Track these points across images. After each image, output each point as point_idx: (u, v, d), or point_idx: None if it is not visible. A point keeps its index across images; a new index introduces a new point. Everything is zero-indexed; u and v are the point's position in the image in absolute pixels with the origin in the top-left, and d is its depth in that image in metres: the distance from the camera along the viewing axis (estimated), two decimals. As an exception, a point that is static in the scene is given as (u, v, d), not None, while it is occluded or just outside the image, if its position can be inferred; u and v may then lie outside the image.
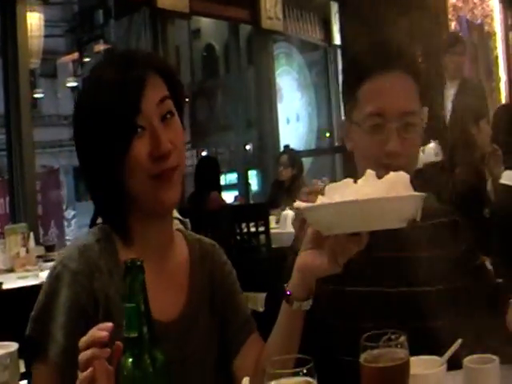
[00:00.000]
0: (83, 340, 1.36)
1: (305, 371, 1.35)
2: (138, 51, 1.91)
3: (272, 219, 6.55)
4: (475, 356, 1.67)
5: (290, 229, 5.87)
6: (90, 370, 1.32)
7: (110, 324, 1.36)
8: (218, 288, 1.96)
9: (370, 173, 1.60)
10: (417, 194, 1.58)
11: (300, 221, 1.73)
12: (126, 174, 1.74)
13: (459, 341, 1.78)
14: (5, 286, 4.46)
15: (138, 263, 1.26)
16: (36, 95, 15.46)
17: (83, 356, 1.33)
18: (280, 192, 8.06)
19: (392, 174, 1.59)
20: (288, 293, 1.76)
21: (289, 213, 6.21)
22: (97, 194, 1.85)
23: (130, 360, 1.23)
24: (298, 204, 1.62)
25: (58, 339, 1.72)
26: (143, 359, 1.23)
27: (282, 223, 6.56)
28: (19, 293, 4.18)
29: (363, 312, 2.01)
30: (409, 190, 1.58)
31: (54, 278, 1.77)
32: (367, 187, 1.56)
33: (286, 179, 8.27)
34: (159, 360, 1.25)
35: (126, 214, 1.83)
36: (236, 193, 9.99)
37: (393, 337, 1.57)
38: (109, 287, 1.77)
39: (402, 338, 1.57)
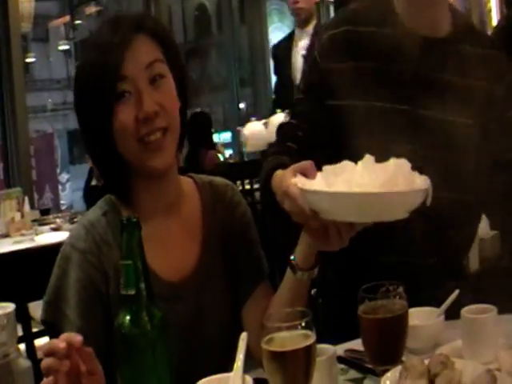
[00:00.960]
0: (44, 345, 1.32)
1: (303, 324, 1.35)
2: (129, 13, 1.86)
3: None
4: (473, 306, 1.67)
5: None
6: (50, 378, 1.28)
7: (78, 338, 1.31)
8: (231, 231, 1.93)
9: (368, 157, 1.58)
10: (419, 188, 1.54)
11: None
12: (116, 138, 1.73)
13: (456, 291, 1.79)
14: (0, 251, 4.46)
15: (134, 220, 1.26)
16: (28, 60, 15.34)
17: (43, 363, 1.28)
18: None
19: (392, 161, 1.55)
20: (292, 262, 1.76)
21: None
22: (96, 159, 1.84)
23: (128, 317, 1.23)
24: (296, 180, 1.59)
25: (73, 320, 1.72)
26: (141, 317, 1.23)
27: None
28: (14, 256, 4.17)
29: None
30: (410, 180, 1.54)
31: (64, 259, 1.78)
32: (366, 177, 1.52)
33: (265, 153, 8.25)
34: (157, 317, 1.25)
35: (127, 178, 1.82)
36: (230, 151, 9.94)
37: (391, 288, 1.57)
38: (118, 259, 1.76)
39: (400, 289, 1.57)
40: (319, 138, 2.02)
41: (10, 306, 1.02)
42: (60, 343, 1.28)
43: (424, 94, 2.00)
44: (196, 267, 1.85)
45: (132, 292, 1.23)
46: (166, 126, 1.74)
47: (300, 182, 1.58)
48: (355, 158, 1.59)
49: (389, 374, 1.46)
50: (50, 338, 1.74)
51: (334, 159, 1.62)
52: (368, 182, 1.50)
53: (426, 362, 1.44)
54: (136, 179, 1.81)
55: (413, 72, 2.01)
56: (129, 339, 1.23)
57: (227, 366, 1.79)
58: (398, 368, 1.45)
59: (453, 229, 2.01)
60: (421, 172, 1.57)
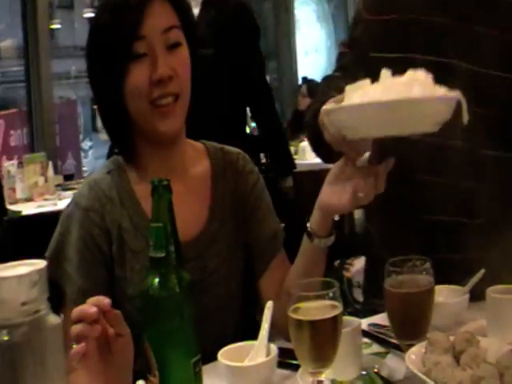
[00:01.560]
0: (74, 312, 1.32)
1: (331, 294, 1.34)
2: None
3: (291, 150, 6.55)
4: (499, 286, 1.66)
5: (309, 159, 5.86)
6: (82, 345, 1.29)
7: (106, 301, 1.32)
8: (243, 200, 1.93)
9: (385, 72, 1.55)
10: (452, 95, 1.50)
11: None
12: (127, 99, 1.73)
13: (482, 271, 1.78)
14: (25, 212, 4.49)
15: (165, 182, 1.25)
16: (53, 26, 15.37)
17: (73, 329, 1.30)
18: (299, 122, 8.03)
19: (408, 72, 1.51)
20: (308, 228, 1.74)
21: (307, 144, 6.20)
22: (106, 120, 1.84)
23: (157, 280, 1.23)
24: (326, 106, 1.57)
25: (75, 278, 1.74)
26: (170, 279, 1.23)
27: (301, 154, 6.57)
28: (38, 218, 4.21)
29: None
30: (430, 89, 1.49)
31: (66, 216, 1.80)
32: (379, 89, 1.49)
33: (306, 108, 8.24)
34: (185, 280, 1.25)
35: (136, 141, 1.82)
36: (253, 124, 9.94)
37: (418, 263, 1.56)
38: (121, 217, 1.78)
39: (427, 265, 1.56)
40: None
41: (41, 263, 1.02)
42: (90, 308, 1.29)
43: (468, 48, 1.97)
44: (203, 230, 1.85)
45: (162, 255, 1.23)
46: (178, 92, 1.74)
47: (328, 106, 1.57)
48: None
49: (414, 349, 1.45)
50: (51, 295, 1.76)
51: None
52: (381, 94, 1.47)
53: (451, 338, 1.43)
54: (143, 142, 1.82)
55: (456, 25, 1.98)
56: (158, 301, 1.23)
57: (236, 333, 1.79)
58: (423, 343, 1.45)
59: (499, 189, 1.98)
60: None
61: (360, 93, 1.50)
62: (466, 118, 1.52)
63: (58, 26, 17.11)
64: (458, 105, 1.49)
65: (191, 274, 1.30)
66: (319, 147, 1.95)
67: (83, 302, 1.63)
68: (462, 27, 1.98)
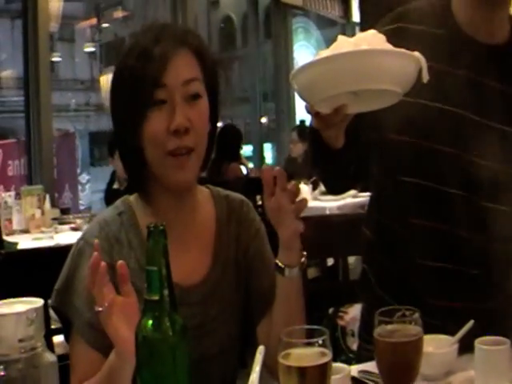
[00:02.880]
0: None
1: (320, 342, 1.36)
2: (176, 26, 1.90)
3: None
4: (487, 338, 1.68)
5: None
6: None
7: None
8: (245, 248, 1.95)
9: (341, 36, 1.65)
10: (413, 53, 1.61)
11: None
12: (145, 144, 1.76)
13: (471, 322, 1.79)
14: (20, 247, 4.49)
15: (161, 227, 1.27)
16: (53, 59, 15.46)
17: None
18: (293, 168, 8.03)
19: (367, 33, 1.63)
20: (279, 265, 1.80)
21: (303, 187, 6.21)
22: (124, 158, 1.87)
23: (150, 322, 1.24)
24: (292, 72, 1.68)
25: (82, 312, 1.76)
26: (163, 322, 1.25)
27: (296, 197, 6.55)
28: (34, 253, 4.19)
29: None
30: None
31: (77, 252, 1.82)
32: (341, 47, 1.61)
33: (298, 155, 8.26)
34: (179, 323, 1.26)
35: (150, 183, 1.85)
36: (251, 165, 9.98)
37: (407, 313, 1.58)
38: (128, 259, 1.80)
39: (416, 315, 1.58)
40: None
41: (39, 301, 1.04)
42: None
43: (476, 100, 1.99)
44: (205, 276, 1.87)
45: (155, 297, 1.24)
46: (193, 147, 1.77)
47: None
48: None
49: None
50: (61, 322, 1.84)
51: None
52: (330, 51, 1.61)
53: None
54: (157, 186, 1.84)
55: (464, 76, 2.00)
56: (150, 343, 1.24)
57: (233, 378, 1.81)
58: None
59: (500, 241, 1.97)
60: None
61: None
62: (425, 77, 1.62)
63: (59, 59, 17.21)
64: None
65: (194, 318, 1.32)
66: (318, 157, 2.00)
67: (91, 333, 1.72)
68: (472, 80, 2.01)
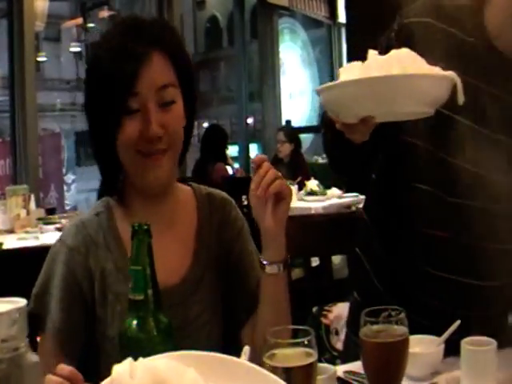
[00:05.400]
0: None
1: (306, 342, 1.36)
2: (148, 21, 1.80)
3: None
4: (473, 338, 1.68)
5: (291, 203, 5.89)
6: None
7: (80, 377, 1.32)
8: (228, 248, 1.93)
9: (372, 52, 1.62)
10: (446, 73, 1.58)
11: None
12: (118, 148, 1.74)
13: (457, 322, 1.79)
14: (5, 247, 4.48)
15: (145, 227, 1.27)
16: (39, 58, 15.40)
17: None
18: (279, 168, 8.00)
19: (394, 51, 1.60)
20: (263, 262, 1.78)
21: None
22: (99, 160, 1.85)
23: (135, 322, 1.24)
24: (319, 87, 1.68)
25: (54, 314, 1.76)
26: (148, 322, 1.24)
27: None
28: (19, 253, 4.17)
29: None
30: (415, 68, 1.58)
31: (53, 254, 1.82)
32: (363, 68, 1.59)
33: (284, 156, 8.26)
34: (163, 323, 1.26)
35: (126, 188, 1.85)
36: (237, 165, 9.97)
37: (393, 313, 1.58)
38: (105, 261, 1.79)
39: (402, 315, 1.58)
40: None
41: (21, 302, 1.03)
42: None
43: (499, 117, 1.93)
44: (186, 276, 1.85)
45: (140, 297, 1.24)
46: (166, 148, 1.75)
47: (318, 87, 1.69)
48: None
49: None
50: (33, 329, 1.78)
51: None
52: (361, 72, 1.58)
53: None
54: (133, 190, 1.84)
55: (496, 95, 1.93)
56: (135, 343, 1.24)
57: None
58: None
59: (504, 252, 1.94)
60: None
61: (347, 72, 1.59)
62: (460, 99, 1.60)
63: (44, 59, 17.16)
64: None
65: (174, 319, 1.31)
66: (333, 145, 2.02)
67: (64, 335, 1.72)
68: (497, 96, 1.95)
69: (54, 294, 1.77)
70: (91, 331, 1.77)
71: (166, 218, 1.86)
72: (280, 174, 1.75)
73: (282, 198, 1.73)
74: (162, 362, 0.78)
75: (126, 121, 1.70)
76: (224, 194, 2.01)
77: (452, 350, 1.75)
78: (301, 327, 1.42)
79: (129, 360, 0.75)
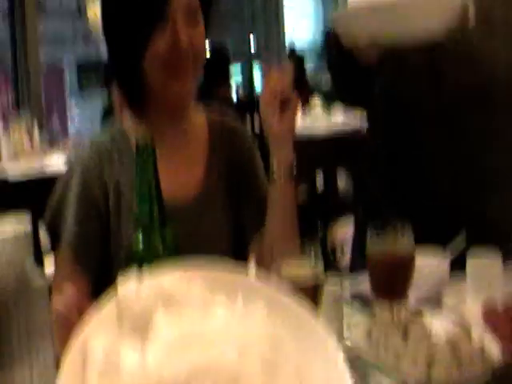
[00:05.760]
0: None
1: (312, 261, 1.37)
2: None
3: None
4: (479, 251, 1.69)
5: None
6: None
7: None
8: (237, 170, 1.96)
9: None
10: None
11: None
12: (145, 61, 1.77)
13: (464, 234, 1.80)
14: (10, 176, 4.49)
15: (149, 141, 1.26)
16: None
17: None
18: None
19: None
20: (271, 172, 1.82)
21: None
22: (122, 81, 1.89)
23: (141, 239, 1.24)
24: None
25: (70, 226, 1.80)
26: (153, 239, 1.24)
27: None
28: (24, 180, 4.20)
29: None
30: None
31: (68, 169, 1.87)
32: None
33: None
34: (169, 240, 1.26)
35: (146, 106, 1.86)
36: (239, 86, 9.89)
37: (399, 227, 1.58)
38: (119, 174, 1.83)
39: (408, 229, 1.58)
40: None
41: (25, 219, 1.02)
42: (72, 313, 1.30)
43: None
44: (197, 194, 1.89)
45: (145, 215, 1.24)
46: (192, 63, 1.79)
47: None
48: None
49: (359, 324, 1.49)
50: (51, 242, 1.84)
51: None
52: None
53: (396, 313, 1.46)
54: (153, 104, 1.85)
55: None
56: (141, 260, 1.24)
57: None
58: (368, 319, 1.49)
59: None
60: None
61: None
62: (471, 21, 1.61)
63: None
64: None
65: (182, 238, 1.31)
66: (342, 71, 2.04)
67: (77, 246, 1.76)
68: None
69: (70, 208, 1.80)
70: (106, 243, 1.81)
71: (180, 137, 1.90)
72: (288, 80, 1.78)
73: (290, 105, 1.77)
74: (167, 277, 0.77)
75: (155, 35, 1.74)
76: (236, 123, 2.05)
77: (458, 264, 1.76)
78: (308, 242, 1.42)
79: (134, 275, 0.74)
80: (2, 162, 5.37)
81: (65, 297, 1.35)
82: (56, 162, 4.81)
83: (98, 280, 1.76)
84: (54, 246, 1.84)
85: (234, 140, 1.99)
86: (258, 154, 2.02)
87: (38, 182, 2.31)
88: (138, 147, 1.26)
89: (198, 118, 1.97)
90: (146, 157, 1.25)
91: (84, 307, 1.33)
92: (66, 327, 1.24)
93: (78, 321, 1.29)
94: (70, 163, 1.88)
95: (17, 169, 4.98)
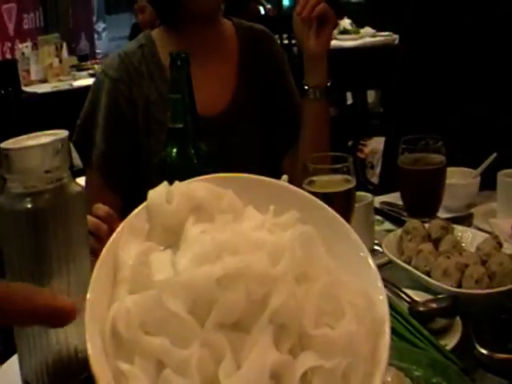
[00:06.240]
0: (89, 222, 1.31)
1: (345, 169, 1.37)
2: None
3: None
4: (510, 170, 1.69)
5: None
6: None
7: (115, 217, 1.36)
8: (268, 76, 1.95)
9: None
10: None
11: None
12: None
13: (494, 155, 1.79)
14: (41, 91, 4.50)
15: (183, 55, 1.25)
16: None
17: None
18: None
19: None
20: (305, 87, 1.81)
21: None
22: None
23: (175, 150, 1.25)
24: None
25: (98, 143, 1.81)
26: (187, 149, 1.25)
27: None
28: (55, 96, 4.19)
29: None
30: None
31: (96, 86, 1.85)
32: None
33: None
34: (203, 150, 1.26)
35: (176, 15, 1.85)
36: (268, 5, 9.72)
37: (431, 142, 1.58)
38: (149, 90, 1.82)
39: (440, 144, 1.58)
40: None
41: (63, 132, 1.03)
42: (103, 225, 1.34)
43: None
44: (227, 107, 1.88)
45: (179, 125, 1.24)
46: None
47: None
48: None
49: (391, 235, 1.49)
50: (80, 156, 1.87)
51: None
52: None
53: (427, 226, 1.46)
54: (183, 16, 1.84)
55: None
56: (174, 171, 1.25)
57: None
58: (398, 232, 1.48)
59: None
60: None
61: None
62: None
63: None
64: None
65: (214, 150, 1.32)
66: None
67: (105, 166, 1.77)
68: None
69: (98, 125, 1.81)
70: (136, 162, 1.81)
71: (212, 46, 1.89)
72: None
73: (325, 21, 1.76)
74: (198, 185, 0.78)
75: None
76: (264, 28, 2.03)
77: (488, 184, 1.76)
78: (340, 154, 1.43)
79: (164, 185, 0.75)
80: (31, 81, 5.38)
81: (95, 214, 1.36)
82: (85, 83, 4.79)
83: (129, 202, 1.78)
84: (84, 167, 1.86)
85: (263, 43, 1.98)
86: (287, 62, 2.01)
87: (68, 96, 2.31)
88: (172, 58, 1.26)
89: (228, 29, 1.96)
90: (180, 67, 1.25)
91: (114, 227, 1.36)
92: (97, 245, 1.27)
93: (108, 238, 1.32)
94: (98, 79, 1.86)
95: (46, 88, 4.99)
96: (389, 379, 0.89)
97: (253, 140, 1.91)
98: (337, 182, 1.37)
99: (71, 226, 1.02)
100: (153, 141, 1.80)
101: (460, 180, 1.79)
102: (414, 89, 2.14)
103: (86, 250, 1.06)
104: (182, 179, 1.23)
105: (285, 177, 1.60)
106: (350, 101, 3.32)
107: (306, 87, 1.81)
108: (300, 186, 1.37)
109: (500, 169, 1.71)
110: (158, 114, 1.79)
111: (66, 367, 1.04)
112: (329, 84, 1.82)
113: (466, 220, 1.67)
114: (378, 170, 2.99)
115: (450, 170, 1.63)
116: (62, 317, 0.73)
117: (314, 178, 1.38)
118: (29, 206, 0.96)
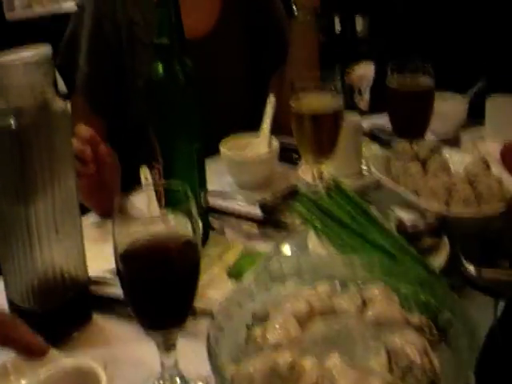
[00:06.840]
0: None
1: (332, 87, 1.35)
2: None
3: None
4: (499, 94, 1.68)
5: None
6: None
7: (98, 139, 1.37)
8: (257, 2, 1.92)
9: None
10: None
11: None
12: None
13: (484, 79, 1.78)
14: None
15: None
16: None
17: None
18: None
19: None
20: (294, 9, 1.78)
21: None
22: None
23: (161, 66, 1.22)
24: None
25: (82, 66, 1.78)
26: (173, 65, 1.22)
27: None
28: (40, 21, 4.14)
29: None
30: None
31: (79, 8, 1.82)
32: None
33: None
34: (188, 67, 1.24)
35: None
36: None
37: (420, 65, 1.57)
38: (133, 13, 1.79)
39: (429, 67, 1.56)
40: None
41: (46, 47, 1.01)
42: (86, 149, 1.34)
43: None
44: (213, 30, 1.86)
45: (165, 41, 1.21)
46: None
47: None
48: None
49: (378, 156, 1.48)
50: (64, 80, 1.82)
51: None
52: None
53: (415, 147, 1.44)
54: None
55: None
56: (161, 87, 1.23)
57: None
58: (389, 152, 1.47)
59: None
60: None
61: None
62: None
63: None
64: None
65: (201, 73, 1.30)
66: None
67: (90, 89, 1.75)
68: None
69: (82, 47, 1.78)
70: (120, 84, 1.79)
71: None
72: None
73: None
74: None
75: None
76: None
77: (476, 111, 1.75)
78: (327, 71, 1.41)
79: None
80: (15, 11, 5.29)
81: (79, 137, 1.34)
82: (70, 7, 4.71)
83: (113, 126, 1.77)
84: (68, 91, 1.82)
85: None
86: None
87: (52, 20, 2.28)
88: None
89: None
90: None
91: (99, 150, 1.36)
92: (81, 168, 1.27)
93: (92, 161, 1.33)
94: (81, 2, 1.83)
95: (29, 13, 4.90)
96: (376, 292, 0.90)
97: (238, 62, 1.90)
98: (324, 100, 1.35)
99: (56, 143, 1.01)
100: (137, 62, 1.78)
101: (449, 104, 1.77)
102: (401, 12, 2.12)
103: (71, 170, 1.05)
104: (168, 95, 1.22)
105: (271, 98, 1.59)
106: (338, 27, 3.29)
107: (294, 7, 1.77)
108: (287, 105, 1.37)
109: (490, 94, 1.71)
110: (142, 36, 1.76)
111: (52, 288, 1.04)
112: (317, 7, 1.79)
113: (453, 144, 1.66)
114: (366, 95, 2.98)
115: (439, 93, 1.62)
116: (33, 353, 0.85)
117: (301, 96, 1.36)
118: (12, 122, 0.95)
